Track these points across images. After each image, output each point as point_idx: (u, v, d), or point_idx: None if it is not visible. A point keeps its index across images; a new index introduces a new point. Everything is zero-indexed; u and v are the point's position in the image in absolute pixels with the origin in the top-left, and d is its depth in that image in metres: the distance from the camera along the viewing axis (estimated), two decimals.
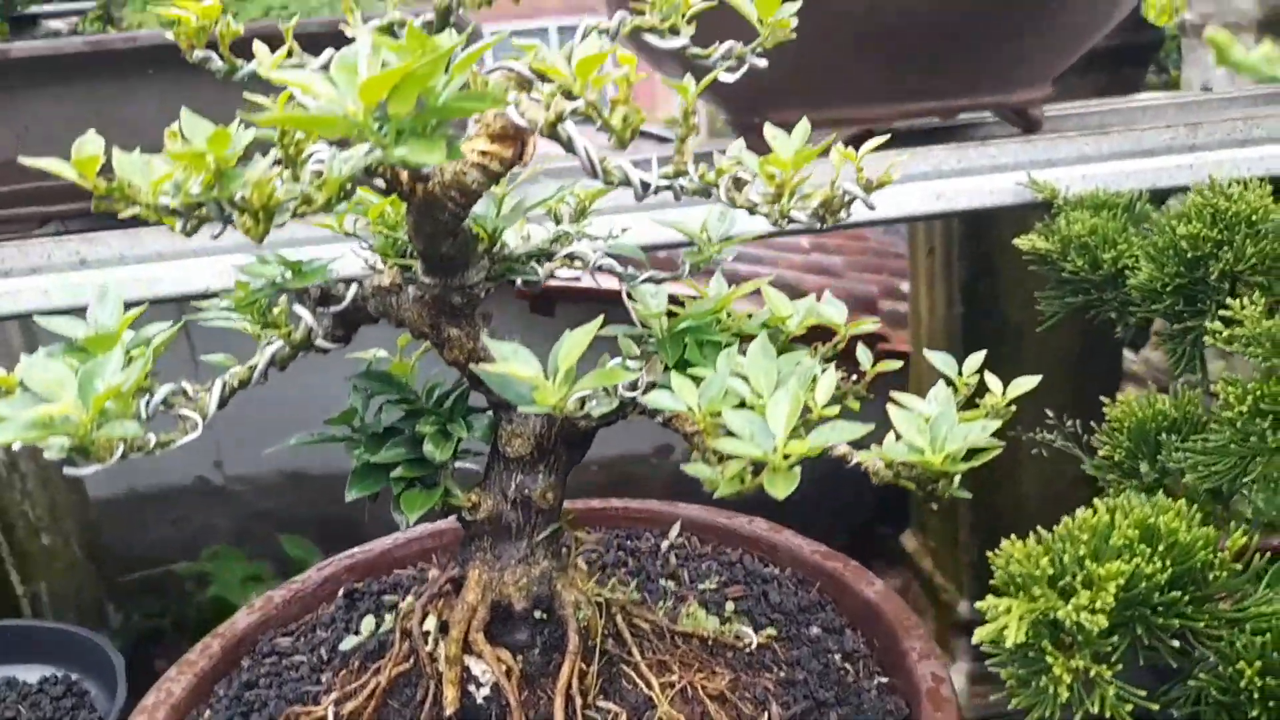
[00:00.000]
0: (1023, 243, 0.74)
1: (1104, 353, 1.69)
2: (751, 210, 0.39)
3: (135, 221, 0.78)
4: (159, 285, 0.75)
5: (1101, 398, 0.65)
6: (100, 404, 0.32)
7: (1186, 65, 2.52)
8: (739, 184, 0.39)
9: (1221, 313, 0.55)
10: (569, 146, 0.39)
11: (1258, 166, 0.80)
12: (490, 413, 0.49)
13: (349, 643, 0.55)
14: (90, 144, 0.34)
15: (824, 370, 0.39)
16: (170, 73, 0.72)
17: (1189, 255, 0.62)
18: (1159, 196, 0.82)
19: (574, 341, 0.38)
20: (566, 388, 0.37)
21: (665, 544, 0.67)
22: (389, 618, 0.56)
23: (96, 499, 2.10)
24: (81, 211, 0.79)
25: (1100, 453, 0.62)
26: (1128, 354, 1.87)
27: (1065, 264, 0.72)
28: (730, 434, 0.36)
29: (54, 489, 1.80)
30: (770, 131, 0.39)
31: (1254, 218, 0.61)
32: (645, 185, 0.40)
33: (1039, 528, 0.45)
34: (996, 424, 0.36)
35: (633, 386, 0.43)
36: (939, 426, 0.36)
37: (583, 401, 0.41)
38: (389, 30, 0.45)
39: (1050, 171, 0.80)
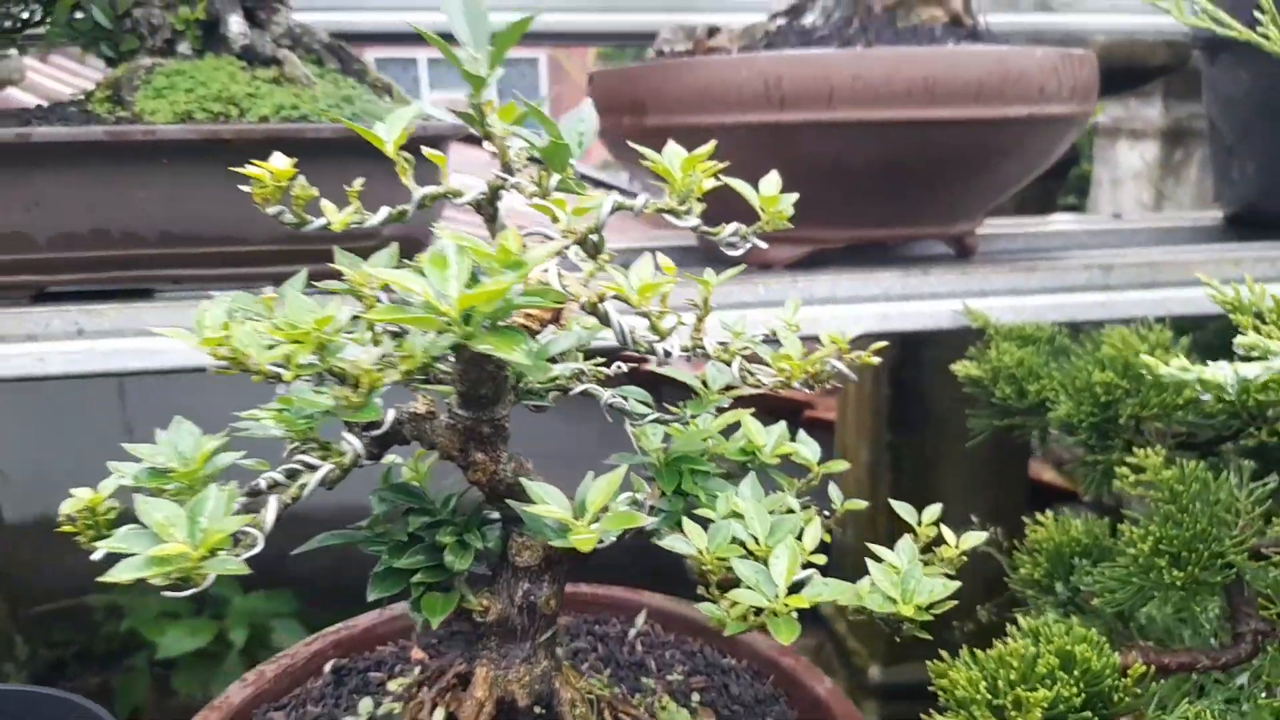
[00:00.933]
0: (958, 369, 0.83)
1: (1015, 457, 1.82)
2: (758, 385, 0.46)
3: (131, 295, 0.81)
4: (158, 358, 0.78)
5: (1023, 518, 0.75)
6: (210, 545, 0.36)
7: (1098, 164, 2.74)
8: (752, 360, 0.46)
9: (1128, 459, 0.64)
10: (606, 321, 0.45)
11: (1160, 307, 0.92)
12: (501, 525, 0.55)
13: None
14: (211, 314, 0.39)
15: (808, 522, 0.46)
16: (182, 163, 0.76)
17: (1102, 399, 0.72)
18: (1077, 327, 0.93)
19: (600, 488, 0.44)
20: (593, 528, 0.43)
21: (632, 631, 0.73)
22: (386, 701, 0.60)
23: (9, 524, 2.04)
24: (78, 282, 0.82)
25: (1021, 571, 0.70)
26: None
27: (995, 390, 0.82)
28: (736, 576, 0.42)
29: None
30: (785, 334, 0.46)
31: (1154, 371, 0.71)
32: (668, 354, 0.46)
33: (974, 651, 0.53)
34: (955, 585, 0.43)
35: (647, 511, 0.49)
36: (908, 581, 0.43)
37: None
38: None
39: (983, 301, 0.90)
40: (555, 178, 0.45)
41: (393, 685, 0.63)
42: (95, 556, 0.39)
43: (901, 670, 1.70)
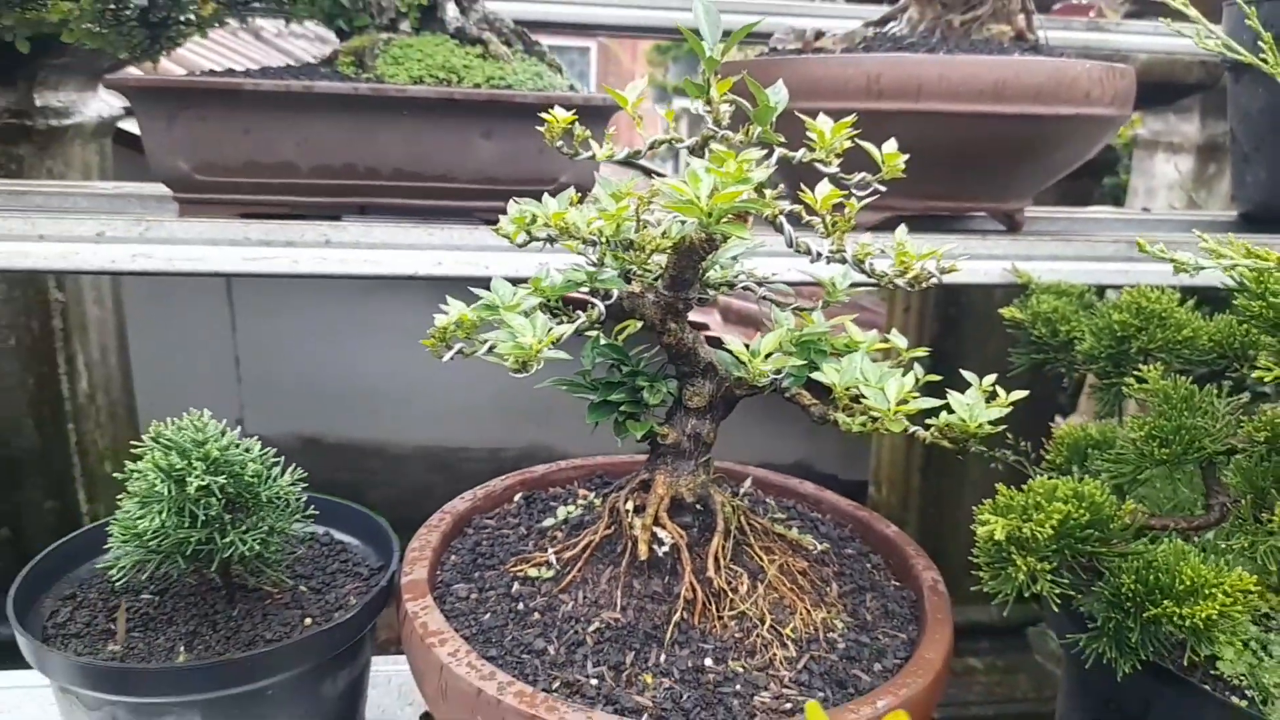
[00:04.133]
0: (1006, 312, 1.05)
1: (1044, 412, 2.03)
2: (879, 280, 0.68)
3: (366, 213, 1.04)
4: (377, 267, 1.01)
5: (1049, 424, 0.96)
6: (546, 341, 0.59)
7: (1135, 174, 2.92)
8: (882, 253, 0.68)
9: (1136, 372, 0.85)
10: (780, 229, 0.68)
11: (1173, 280, 1.13)
12: (678, 379, 0.77)
13: (549, 521, 0.83)
14: (553, 205, 0.61)
15: (906, 373, 0.68)
16: (417, 116, 0.99)
17: (1118, 334, 0.93)
18: (1102, 290, 1.13)
19: (769, 340, 0.67)
20: (765, 363, 0.66)
21: (742, 489, 0.96)
22: (575, 508, 0.83)
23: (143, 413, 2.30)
24: (328, 206, 1.05)
25: (1046, 459, 0.92)
26: (1058, 419, 2.22)
27: (1033, 331, 1.03)
28: (862, 400, 0.64)
29: (119, 422, 2.01)
30: (901, 235, 0.68)
31: (1163, 315, 0.92)
32: (819, 254, 0.68)
33: (1011, 486, 0.75)
34: (1004, 411, 0.65)
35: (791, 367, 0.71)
36: (974, 408, 0.65)
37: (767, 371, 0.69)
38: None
39: (1027, 264, 1.11)
40: (758, 130, 0.67)
41: (580, 503, 0.86)
42: (480, 354, 0.61)
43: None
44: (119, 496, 0.67)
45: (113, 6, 0.97)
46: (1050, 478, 0.91)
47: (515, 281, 0.70)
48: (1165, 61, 1.76)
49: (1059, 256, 1.13)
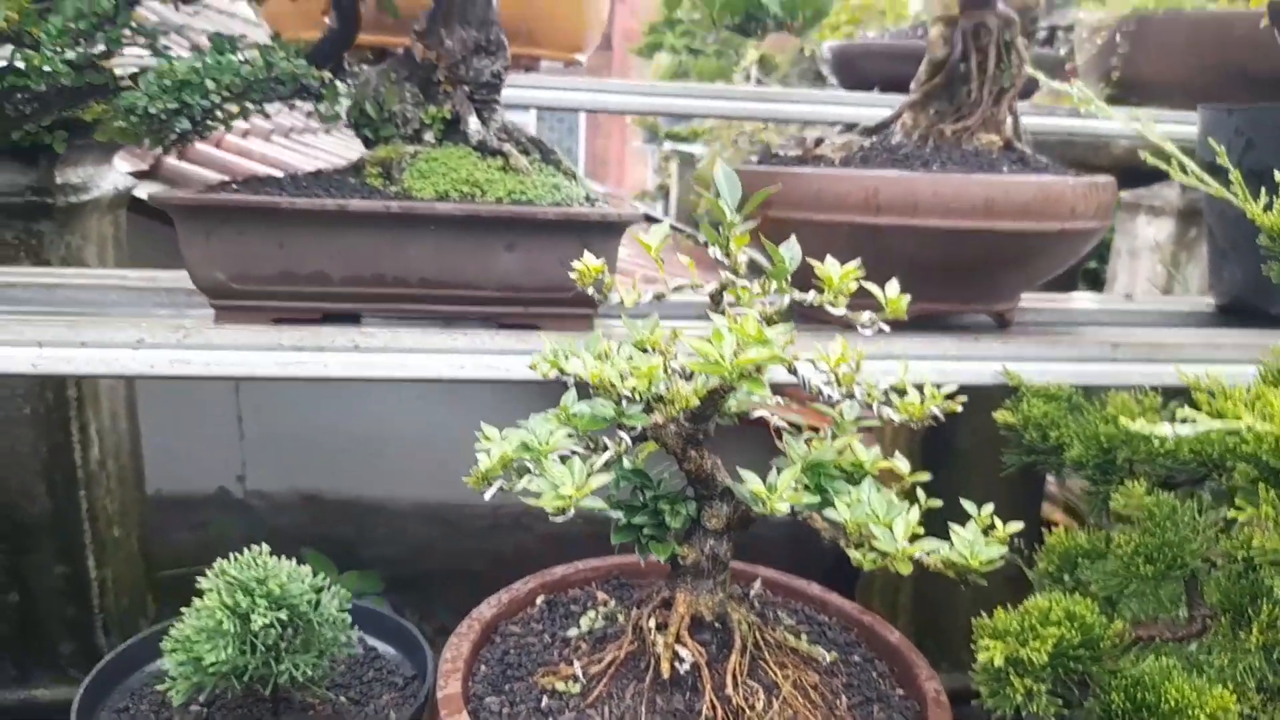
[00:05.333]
0: (998, 416, 1.10)
1: (1030, 477, 2.09)
2: (883, 418, 0.74)
3: (399, 320, 1.09)
4: (406, 370, 1.06)
5: (1042, 529, 1.01)
6: (583, 491, 0.64)
7: (1119, 234, 3.01)
8: (886, 400, 0.73)
9: (1122, 489, 0.91)
10: (793, 372, 0.73)
11: (1156, 379, 1.19)
12: (696, 501, 0.82)
13: (573, 631, 0.87)
14: (591, 363, 0.67)
15: (909, 509, 0.74)
16: (442, 231, 1.05)
17: (1104, 446, 0.99)
18: (1090, 390, 1.20)
19: (784, 478, 0.72)
20: (781, 501, 0.71)
21: (752, 591, 1.00)
22: (599, 617, 0.87)
23: (151, 496, 2.32)
24: (356, 310, 1.10)
25: (1038, 566, 0.97)
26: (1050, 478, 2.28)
27: (1024, 434, 1.09)
28: (873, 538, 0.70)
29: (127, 486, 2.04)
30: (903, 373, 0.74)
31: (1143, 431, 0.98)
32: (830, 398, 0.74)
33: (1007, 604, 0.80)
34: (1003, 550, 0.70)
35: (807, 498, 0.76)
36: (975, 546, 0.70)
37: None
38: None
39: (1017, 364, 1.18)
40: (774, 284, 0.73)
41: (600, 610, 0.91)
42: (524, 497, 0.66)
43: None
44: (180, 618, 0.71)
45: (148, 111, 1.02)
46: (1044, 586, 0.96)
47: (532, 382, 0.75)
48: (1144, 147, 1.84)
49: (1047, 358, 1.19)
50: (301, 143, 3.09)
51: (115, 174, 1.93)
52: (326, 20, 1.59)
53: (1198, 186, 0.98)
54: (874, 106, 1.77)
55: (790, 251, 0.74)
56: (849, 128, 1.89)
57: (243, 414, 2.64)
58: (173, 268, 2.20)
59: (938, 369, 1.17)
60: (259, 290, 1.06)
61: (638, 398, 0.68)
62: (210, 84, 0.98)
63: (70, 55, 0.99)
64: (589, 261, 0.77)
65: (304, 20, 1.65)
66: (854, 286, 0.78)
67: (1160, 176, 1.90)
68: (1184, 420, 0.66)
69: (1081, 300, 1.57)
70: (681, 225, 6.68)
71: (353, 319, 1.11)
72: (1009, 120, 1.28)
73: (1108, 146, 1.88)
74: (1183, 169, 1.00)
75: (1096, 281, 3.22)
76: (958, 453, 1.93)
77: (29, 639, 1.87)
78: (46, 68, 0.95)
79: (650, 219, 6.59)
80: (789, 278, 0.74)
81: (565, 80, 1.84)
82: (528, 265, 1.08)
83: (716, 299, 0.77)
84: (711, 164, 5.74)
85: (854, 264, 0.78)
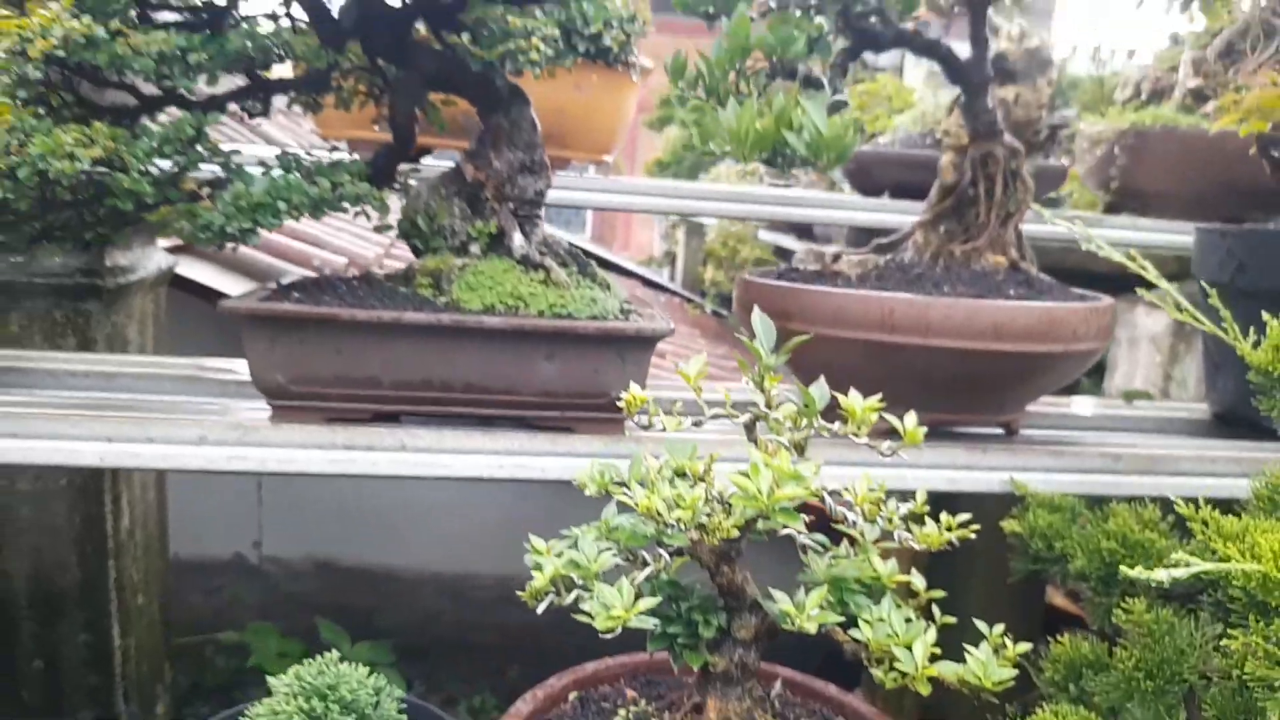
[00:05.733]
0: (1006, 526, 1.17)
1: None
2: (903, 543, 0.80)
3: (437, 421, 1.16)
4: (448, 470, 1.13)
5: (1043, 637, 1.07)
6: (633, 611, 0.71)
7: (1119, 324, 3.09)
8: (907, 528, 0.80)
9: (1123, 604, 0.97)
10: (821, 501, 0.80)
11: (1155, 490, 1.26)
12: (726, 611, 0.88)
13: None
14: (640, 493, 0.74)
15: (927, 629, 0.80)
16: (488, 341, 1.13)
17: (1107, 560, 1.06)
18: (1093, 498, 1.26)
19: (813, 597, 0.78)
20: (809, 621, 0.77)
21: (772, 693, 1.06)
22: (631, 716, 0.93)
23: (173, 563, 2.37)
24: (403, 412, 1.17)
25: (1045, 674, 1.03)
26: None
27: (1030, 543, 1.16)
28: (892, 656, 0.76)
29: (152, 555, 2.09)
30: (921, 502, 0.81)
31: (1145, 545, 1.05)
32: (856, 523, 0.81)
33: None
34: (1014, 672, 0.76)
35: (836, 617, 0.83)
36: (988, 668, 0.76)
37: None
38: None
39: (1023, 474, 1.24)
40: (805, 420, 0.80)
41: (631, 709, 0.96)
42: (581, 615, 0.73)
43: None
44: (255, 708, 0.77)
45: (225, 230, 1.11)
46: (1051, 695, 1.02)
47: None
48: (1143, 255, 1.94)
49: (1051, 469, 1.26)
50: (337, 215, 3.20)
51: (158, 253, 2.02)
52: (375, 128, 1.69)
53: (1192, 323, 1.06)
54: (885, 212, 1.87)
55: (820, 391, 0.81)
56: (863, 231, 1.99)
57: (263, 480, 2.70)
58: (209, 341, 2.30)
59: (948, 478, 1.23)
60: (314, 392, 1.14)
61: (682, 526, 0.75)
62: (282, 204, 1.07)
63: (154, 173, 1.07)
64: (635, 392, 0.84)
65: (351, 122, 1.75)
66: (875, 419, 0.85)
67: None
68: (1177, 564, 0.72)
69: (1083, 405, 1.64)
70: (688, 293, 6.80)
71: (398, 418, 1.18)
72: (1015, 242, 1.37)
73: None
74: (1177, 307, 1.09)
75: (1098, 368, 3.30)
76: (961, 547, 1.98)
77: (52, 706, 1.91)
78: (133, 188, 1.04)
79: (658, 286, 6.62)
80: (819, 414, 0.81)
81: (580, 180, 1.95)
82: (565, 373, 1.16)
83: (750, 428, 0.84)
84: (720, 238, 5.86)
85: (875, 399, 0.85)
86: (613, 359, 1.16)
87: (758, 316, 0.81)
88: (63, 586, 1.89)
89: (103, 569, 1.90)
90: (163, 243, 2.12)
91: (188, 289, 2.21)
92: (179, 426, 1.11)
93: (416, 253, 1.28)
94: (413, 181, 1.30)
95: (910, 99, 3.60)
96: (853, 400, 0.85)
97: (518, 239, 1.23)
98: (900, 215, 1.88)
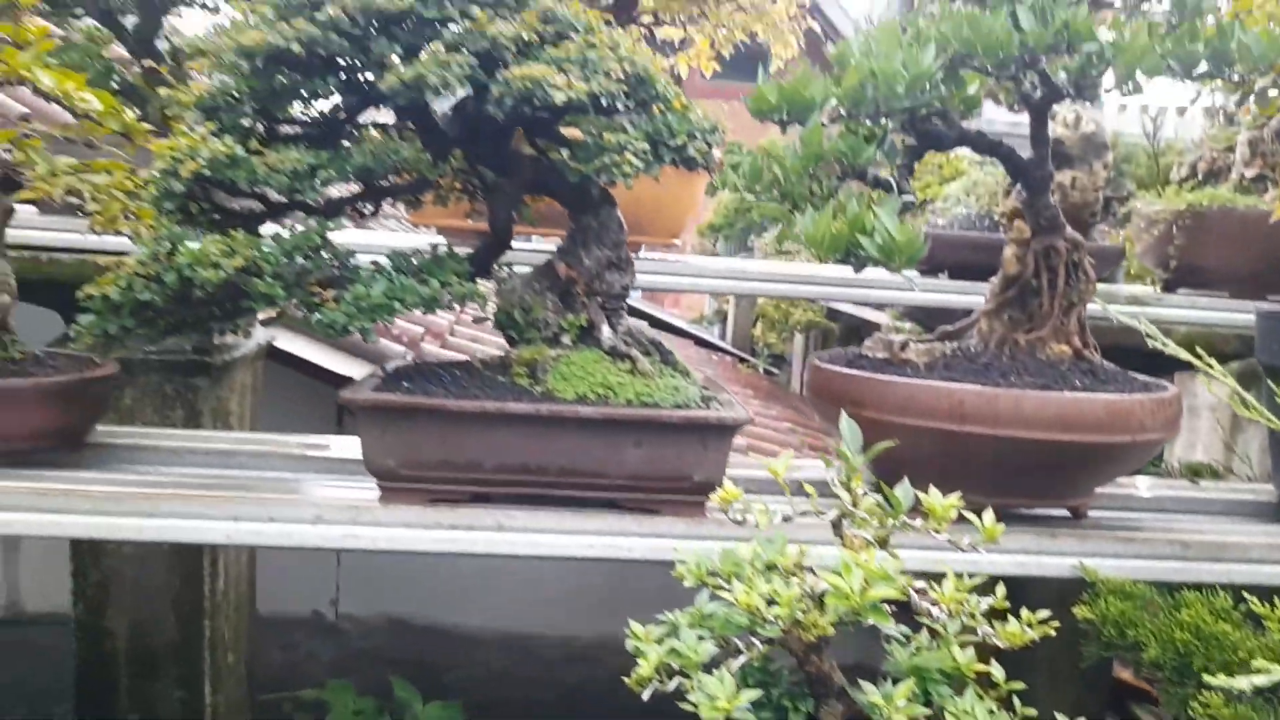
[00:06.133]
0: (1079, 613, 1.21)
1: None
2: (985, 640, 0.86)
3: (530, 501, 1.24)
4: (550, 549, 1.21)
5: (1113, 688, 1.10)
6: (734, 703, 0.77)
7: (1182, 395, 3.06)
8: (990, 624, 0.86)
9: (1200, 697, 1.00)
10: (907, 597, 0.86)
11: (1224, 577, 1.28)
12: (814, 699, 0.94)
13: None
14: (740, 591, 0.81)
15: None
16: (581, 429, 1.21)
17: (1181, 651, 1.09)
18: (1163, 584, 1.29)
19: (900, 689, 0.84)
20: (897, 711, 0.83)
21: None
22: None
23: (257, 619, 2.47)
24: (501, 494, 1.26)
25: None
26: None
27: (1102, 631, 1.19)
28: None
29: (241, 614, 2.19)
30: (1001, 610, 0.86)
31: (1219, 637, 1.08)
32: (940, 619, 0.86)
33: None
34: None
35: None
36: None
37: None
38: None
39: (1092, 560, 1.28)
40: (890, 519, 0.87)
41: None
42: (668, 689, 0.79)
43: None
44: None
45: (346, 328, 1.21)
46: None
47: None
48: (1204, 333, 1.97)
49: (1121, 555, 1.29)
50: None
51: (258, 329, 2.16)
52: (469, 220, 1.81)
53: (1259, 420, 1.10)
54: (945, 293, 1.94)
55: (905, 493, 0.88)
56: (922, 313, 2.05)
57: (341, 558, 2.81)
58: (303, 409, 2.43)
59: (1017, 562, 1.28)
60: (420, 475, 1.23)
61: (779, 622, 0.81)
62: (397, 304, 1.18)
63: (286, 276, 1.19)
64: (729, 489, 0.91)
65: (442, 211, 1.88)
66: (954, 515, 0.91)
67: (1221, 361, 2.01)
68: (1258, 671, 0.77)
69: (1149, 485, 1.66)
70: (740, 352, 6.87)
71: (492, 499, 1.27)
72: (1078, 331, 1.42)
73: (1169, 331, 2.00)
74: (1244, 404, 1.13)
75: None
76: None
77: None
78: (268, 292, 1.15)
79: (711, 345, 6.67)
80: (904, 512, 0.87)
81: (653, 264, 2.04)
82: (652, 459, 1.23)
83: (837, 526, 0.91)
84: (772, 299, 5.93)
85: (955, 496, 0.91)
86: (696, 445, 1.24)
87: (846, 424, 0.89)
88: (160, 644, 1.99)
89: (198, 628, 2.01)
90: (260, 315, 2.27)
91: (282, 360, 2.35)
92: (298, 507, 1.21)
93: (511, 342, 1.38)
94: (508, 276, 1.40)
95: (960, 166, 3.67)
96: (933, 499, 0.92)
97: (606, 331, 1.32)
98: (960, 295, 1.94)
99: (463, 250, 1.35)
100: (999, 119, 2.14)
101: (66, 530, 1.16)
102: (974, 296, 1.93)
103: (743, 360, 6.30)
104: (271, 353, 2.30)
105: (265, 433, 1.77)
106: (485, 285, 1.38)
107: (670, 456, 1.24)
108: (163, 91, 1.50)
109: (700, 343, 6.87)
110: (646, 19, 2.35)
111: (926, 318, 2.62)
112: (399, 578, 2.78)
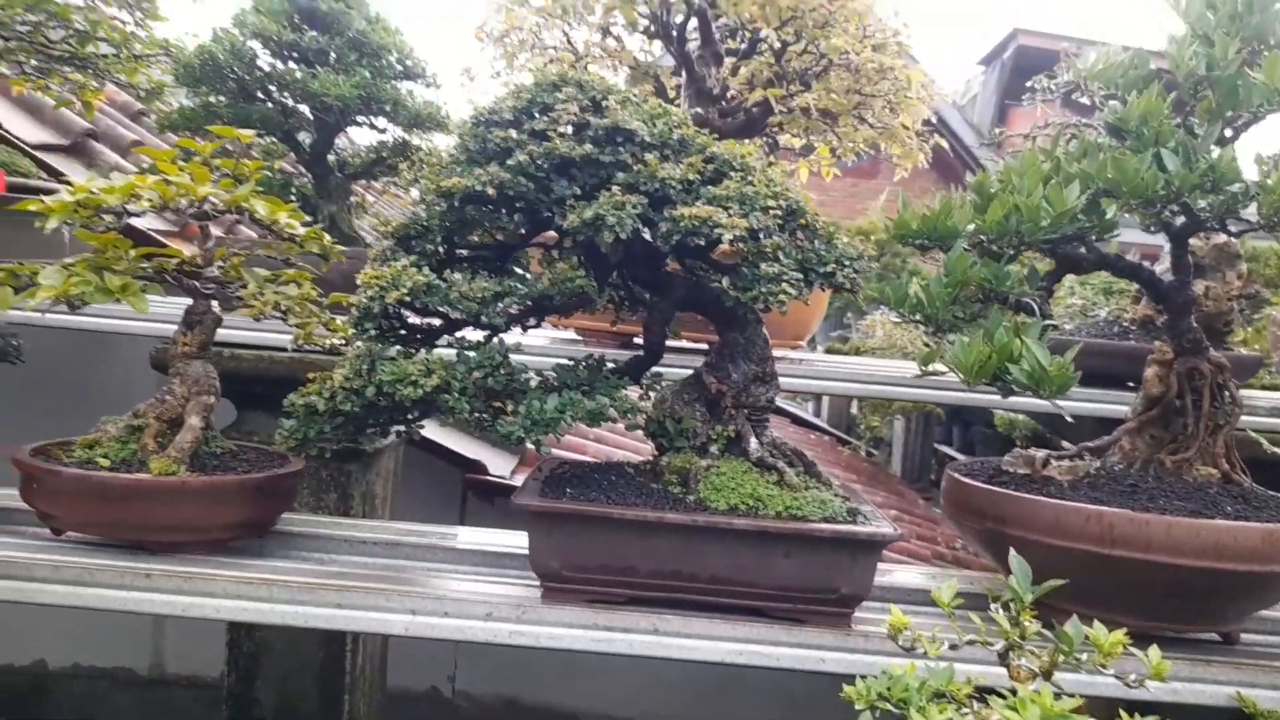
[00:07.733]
0: None
1: None
2: None
3: (680, 605, 1.29)
4: (701, 654, 1.27)
5: None
6: None
7: None
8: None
9: None
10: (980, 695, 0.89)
11: None
12: None
13: None
14: (865, 689, 0.85)
15: None
16: (734, 539, 1.27)
17: None
18: None
19: None
20: None
21: None
22: None
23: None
24: (654, 599, 1.33)
25: None
26: None
27: None
28: None
29: (374, 688, 2.29)
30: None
31: None
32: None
33: None
34: None
35: None
36: None
37: None
38: None
39: (1249, 690, 1.26)
40: (1060, 655, 0.90)
41: None
42: None
43: None
44: None
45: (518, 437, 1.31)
46: None
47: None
48: None
49: (1278, 686, 1.27)
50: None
51: None
52: (614, 326, 1.92)
53: None
54: (1076, 400, 1.94)
55: (1075, 630, 0.91)
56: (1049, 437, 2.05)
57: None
58: (433, 491, 2.55)
59: (1170, 689, 1.27)
60: (581, 576, 1.31)
61: None
62: (568, 418, 1.28)
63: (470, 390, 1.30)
64: (898, 616, 0.96)
65: (584, 314, 2.00)
66: (1120, 651, 0.94)
67: None
68: None
69: None
70: (838, 432, 6.82)
71: (644, 601, 1.33)
72: (1225, 453, 1.42)
73: None
74: None
75: None
76: None
77: None
78: (455, 406, 1.27)
79: (809, 424, 6.63)
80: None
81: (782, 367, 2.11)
82: (800, 570, 1.29)
83: (1004, 656, 0.94)
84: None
85: (1120, 632, 0.94)
86: (844, 559, 1.29)
87: (1016, 561, 0.93)
88: (303, 716, 2.11)
89: (338, 702, 2.11)
90: None
91: (417, 444, 2.49)
92: (470, 604, 1.30)
93: (660, 449, 1.46)
94: (659, 386, 1.49)
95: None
96: (1099, 633, 0.94)
97: (753, 443, 1.40)
98: (1091, 404, 1.94)
99: (609, 355, 1.45)
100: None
101: (267, 617, 1.27)
102: (1105, 405, 1.93)
103: (843, 442, 6.26)
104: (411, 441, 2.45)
105: (421, 524, 1.88)
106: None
107: (819, 569, 1.29)
108: (370, 223, 1.66)
109: (797, 420, 6.85)
110: (771, 126, 2.47)
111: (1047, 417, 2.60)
112: (514, 657, 2.85)
